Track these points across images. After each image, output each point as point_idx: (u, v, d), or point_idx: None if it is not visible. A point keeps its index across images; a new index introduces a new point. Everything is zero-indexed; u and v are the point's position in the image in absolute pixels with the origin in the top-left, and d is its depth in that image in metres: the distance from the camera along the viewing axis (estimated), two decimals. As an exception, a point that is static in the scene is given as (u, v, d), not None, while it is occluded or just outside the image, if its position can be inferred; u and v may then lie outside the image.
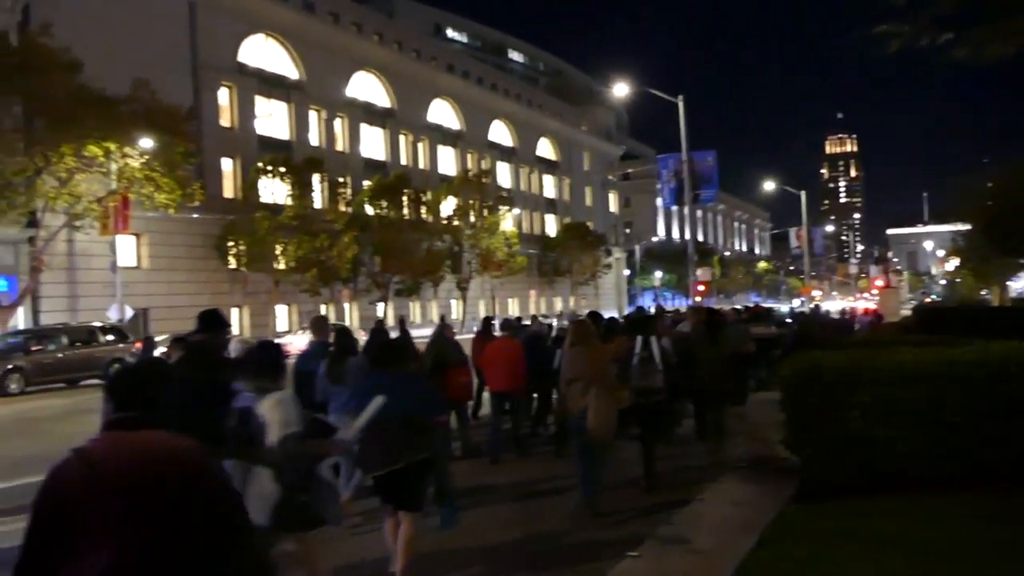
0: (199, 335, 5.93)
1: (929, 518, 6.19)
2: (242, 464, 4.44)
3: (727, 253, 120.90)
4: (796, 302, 76.13)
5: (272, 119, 47.86)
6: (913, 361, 7.35)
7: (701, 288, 40.56)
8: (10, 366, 22.56)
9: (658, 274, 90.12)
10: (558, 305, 71.78)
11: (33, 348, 23.64)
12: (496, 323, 13.17)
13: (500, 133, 72.71)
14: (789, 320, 21.33)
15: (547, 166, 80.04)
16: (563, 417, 7.76)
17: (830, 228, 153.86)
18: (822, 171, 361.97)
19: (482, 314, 58.26)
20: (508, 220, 60.34)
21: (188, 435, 2.65)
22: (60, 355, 24.00)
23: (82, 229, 30.41)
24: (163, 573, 2.35)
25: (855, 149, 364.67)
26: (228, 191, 43.27)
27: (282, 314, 45.00)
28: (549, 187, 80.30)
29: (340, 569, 5.67)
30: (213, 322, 5.90)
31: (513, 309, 64.25)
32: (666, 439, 9.29)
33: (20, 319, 30.66)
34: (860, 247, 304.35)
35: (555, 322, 23.28)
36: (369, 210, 46.92)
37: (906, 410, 6.94)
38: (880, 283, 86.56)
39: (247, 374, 4.77)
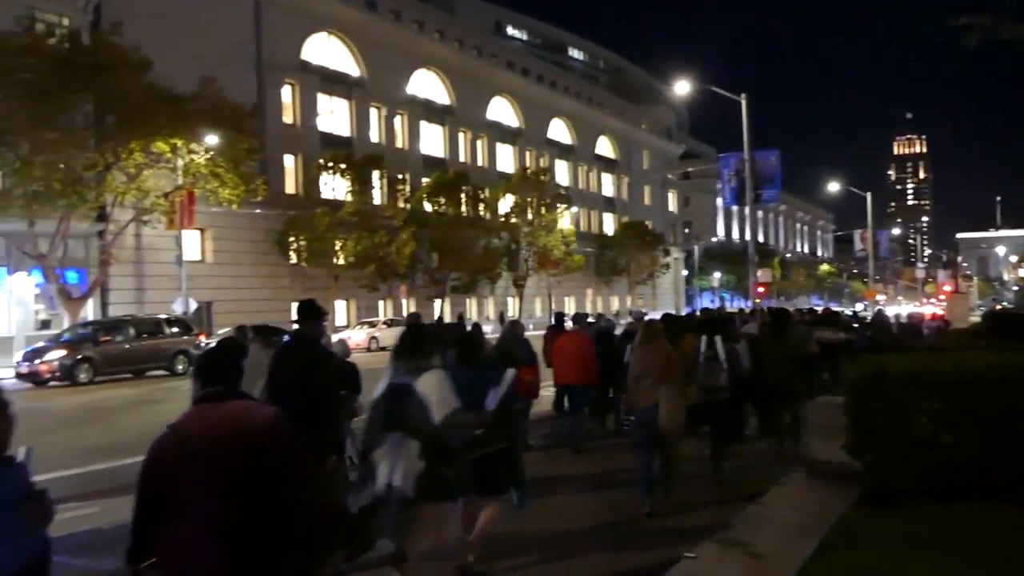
0: (298, 324, 6.50)
1: (997, 526, 5.99)
2: (396, 437, 4.88)
3: (788, 255, 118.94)
4: (859, 306, 74.54)
5: (334, 116, 48.48)
6: (983, 366, 7.12)
7: (761, 290, 39.94)
8: (79, 356, 23.22)
9: (717, 275, 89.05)
10: (615, 304, 71.44)
11: (102, 339, 24.28)
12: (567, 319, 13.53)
13: (559, 131, 72.55)
14: (856, 325, 20.89)
15: (606, 164, 79.63)
16: (630, 412, 7.97)
17: (896, 231, 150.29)
18: (889, 172, 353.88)
19: (539, 312, 58.37)
20: (566, 218, 60.18)
21: (294, 412, 3.16)
22: (127, 346, 24.64)
23: (149, 224, 31.17)
24: (242, 523, 2.88)
25: (924, 150, 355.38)
26: (290, 187, 43.96)
27: (340, 309, 45.54)
28: (607, 185, 79.88)
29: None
30: (311, 312, 6.41)
31: (569, 307, 64.10)
32: (736, 437, 9.45)
33: (89, 311, 31.58)
34: (928, 251, 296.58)
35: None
36: (427, 207, 47.23)
37: (975, 416, 6.72)
38: (948, 288, 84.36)
39: (403, 355, 5.22)
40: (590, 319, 14.88)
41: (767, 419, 10.31)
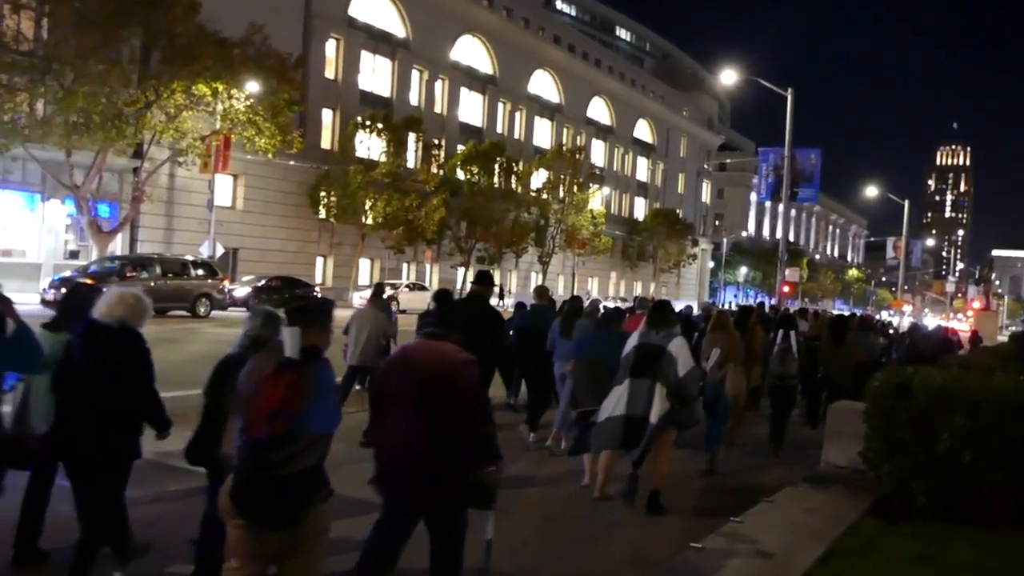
0: (475, 287, 8.86)
1: (1008, 551, 5.90)
2: (644, 382, 6.83)
3: (817, 256, 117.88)
4: (884, 314, 73.80)
5: (375, 75, 48.37)
6: (1012, 388, 6.98)
7: (786, 289, 39.64)
8: (105, 289, 23.43)
9: (743, 270, 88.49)
10: (637, 290, 71.19)
11: (128, 274, 24.42)
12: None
13: (599, 110, 72.01)
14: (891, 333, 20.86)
15: (643, 148, 79.02)
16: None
17: (931, 242, 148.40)
18: (928, 182, 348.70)
19: (560, 290, 58.25)
20: (597, 199, 59.91)
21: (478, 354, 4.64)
22: (152, 284, 24.76)
23: (184, 165, 31.37)
24: (436, 424, 4.20)
25: (967, 162, 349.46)
26: (326, 142, 44.01)
27: (365, 268, 45.71)
28: (642, 170, 79.33)
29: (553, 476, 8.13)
30: (486, 279, 8.89)
31: (593, 289, 63.97)
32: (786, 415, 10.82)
33: (118, 245, 31.89)
34: (960, 265, 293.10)
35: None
36: (460, 175, 47.15)
37: (1001, 438, 6.60)
38: (977, 304, 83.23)
39: (655, 323, 7.15)
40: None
41: (814, 411, 12.01)
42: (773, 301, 40.23)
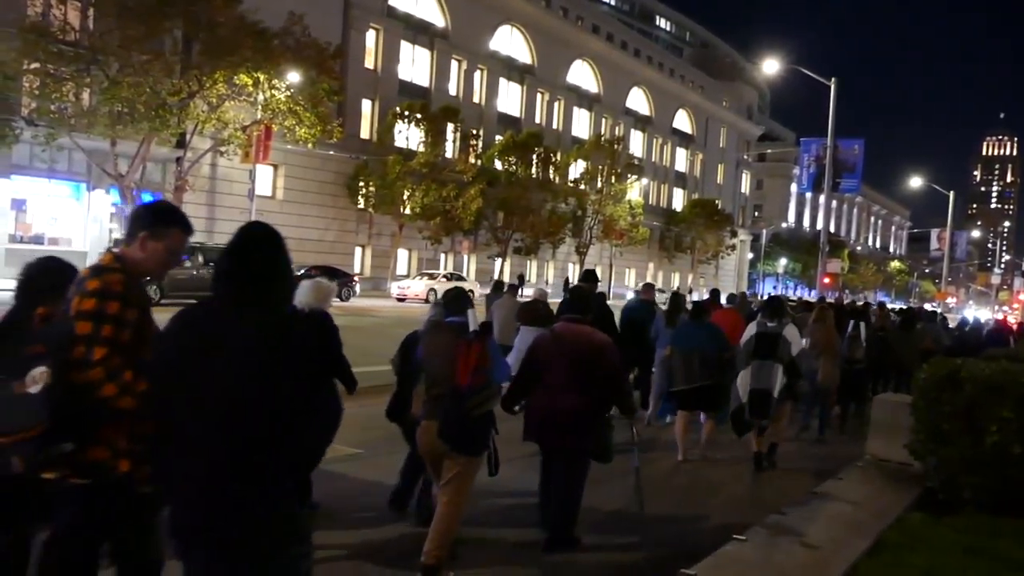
0: (582, 283, 10.44)
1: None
2: (768, 363, 8.26)
3: (859, 248, 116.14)
4: (928, 307, 72.49)
5: (414, 65, 48.46)
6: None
7: (827, 280, 39.11)
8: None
9: (783, 261, 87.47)
10: (675, 281, 70.73)
11: (171, 263, 24.76)
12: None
13: (638, 101, 71.49)
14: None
15: (681, 139, 78.33)
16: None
17: (976, 233, 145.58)
18: (975, 173, 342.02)
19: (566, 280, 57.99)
20: (635, 189, 59.52)
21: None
22: (195, 272, 25.06)
23: (225, 155, 31.68)
24: (584, 388, 5.58)
25: (1015, 152, 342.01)
26: (364, 132, 44.21)
27: (403, 258, 45.91)
28: (681, 160, 78.65)
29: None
30: (593, 277, 10.81)
31: (630, 280, 63.66)
32: (860, 400, 11.97)
33: (161, 234, 32.30)
34: (1006, 257, 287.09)
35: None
36: (498, 165, 47.11)
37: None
38: None
39: (769, 314, 8.63)
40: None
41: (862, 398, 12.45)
42: (814, 292, 39.72)
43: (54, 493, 3.13)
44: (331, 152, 39.26)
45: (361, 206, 41.59)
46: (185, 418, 2.56)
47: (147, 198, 31.48)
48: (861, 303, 24.63)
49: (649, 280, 67.40)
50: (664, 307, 12.23)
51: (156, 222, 3.35)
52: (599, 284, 11.26)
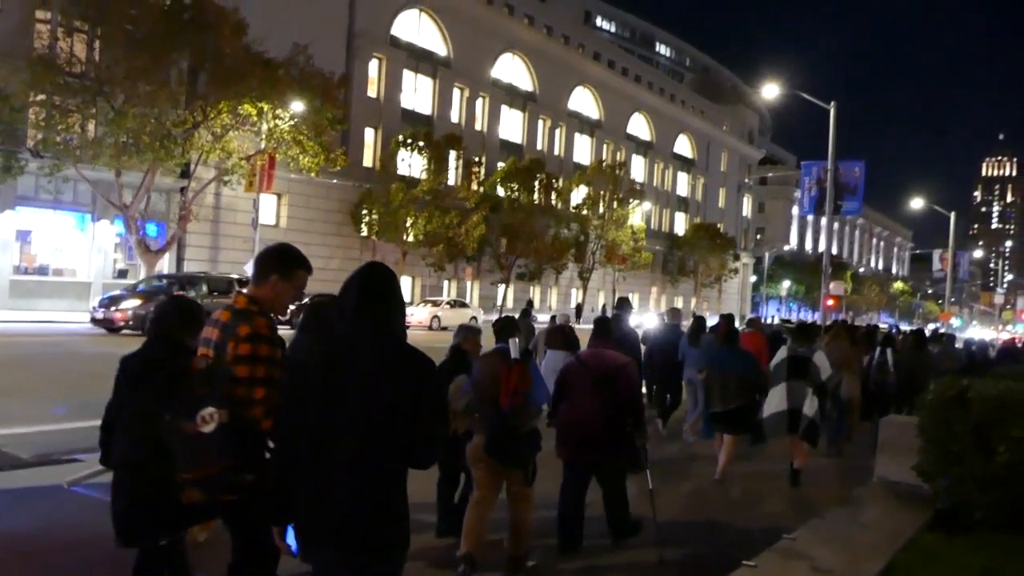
0: (617, 311, 12.04)
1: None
2: (799, 385, 8.71)
3: (861, 269, 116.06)
4: (930, 327, 72.33)
5: (417, 93, 48.78)
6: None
7: (830, 303, 39.03)
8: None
9: (786, 283, 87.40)
10: (679, 305, 70.65)
11: (176, 292, 24.78)
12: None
13: (639, 126, 71.84)
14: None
15: (683, 163, 78.62)
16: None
17: (978, 253, 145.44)
18: (975, 193, 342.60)
19: (600, 305, 58.01)
20: (637, 214, 59.65)
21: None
22: (200, 302, 25.09)
23: (229, 184, 31.77)
24: (607, 407, 6.17)
25: (1014, 173, 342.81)
26: (368, 160, 44.41)
27: (406, 285, 45.96)
28: (683, 185, 78.88)
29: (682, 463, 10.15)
30: (626, 304, 12.24)
31: (633, 304, 63.56)
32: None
33: (165, 264, 32.44)
34: (1009, 277, 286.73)
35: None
36: (501, 191, 47.25)
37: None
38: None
39: (799, 338, 9.69)
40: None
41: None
42: (817, 315, 39.67)
43: (205, 507, 3.52)
44: (335, 180, 39.43)
45: (364, 234, 41.69)
46: (321, 430, 2.91)
47: (151, 228, 31.65)
48: (875, 326, 25.03)
49: (652, 304, 67.43)
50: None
51: (286, 265, 3.74)
52: (632, 309, 12.74)
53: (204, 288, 25.62)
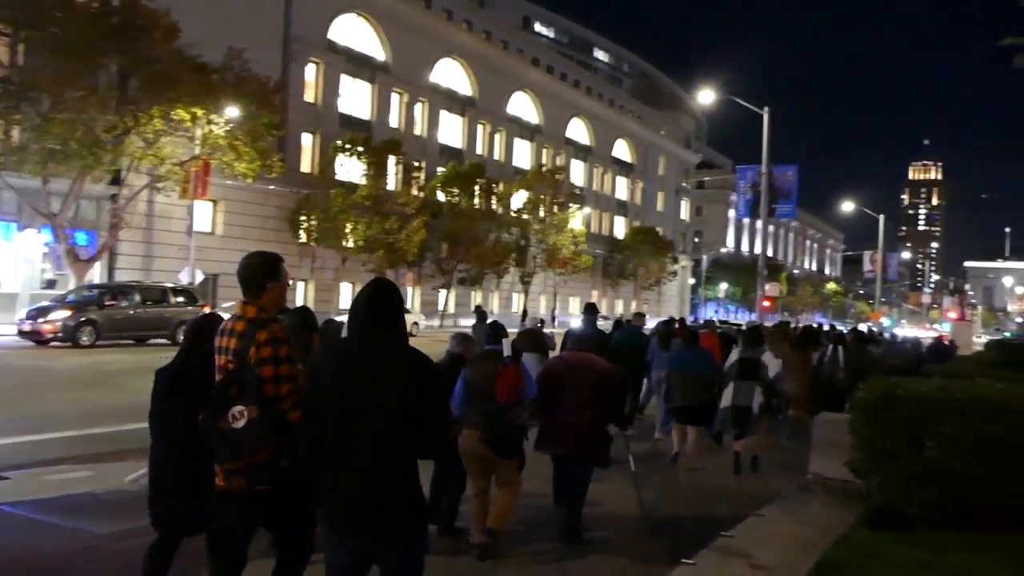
0: (586, 316, 12.51)
1: (1004, 554, 5.90)
2: (748, 384, 9.65)
3: (796, 271, 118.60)
4: (863, 327, 74.16)
5: (355, 98, 48.38)
6: (996, 394, 7.02)
7: (766, 304, 39.79)
8: (83, 318, 22.98)
9: (723, 286, 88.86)
10: (619, 308, 71.30)
11: (107, 303, 24.07)
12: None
13: (578, 131, 72.37)
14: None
15: (622, 168, 79.43)
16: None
17: (906, 255, 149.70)
18: (903, 197, 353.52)
19: (542, 310, 58.25)
20: (577, 218, 60.06)
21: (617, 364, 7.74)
22: (132, 312, 24.49)
23: (163, 191, 31.07)
24: (595, 407, 6.60)
25: (939, 177, 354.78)
26: (306, 166, 43.90)
27: (346, 291, 45.49)
28: (622, 189, 79.69)
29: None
30: (593, 310, 12.56)
31: (574, 308, 63.98)
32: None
33: (96, 274, 31.53)
34: (935, 277, 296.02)
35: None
36: (441, 196, 47.13)
37: (989, 445, 6.62)
38: (953, 315, 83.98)
39: (749, 343, 10.30)
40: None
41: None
42: (753, 316, 40.40)
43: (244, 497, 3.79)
44: (272, 187, 38.88)
45: (303, 240, 41.15)
46: (341, 427, 3.31)
47: (81, 237, 30.79)
48: (812, 327, 26.23)
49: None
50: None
51: (272, 270, 4.12)
52: (599, 313, 13.50)
53: (137, 298, 25.00)
